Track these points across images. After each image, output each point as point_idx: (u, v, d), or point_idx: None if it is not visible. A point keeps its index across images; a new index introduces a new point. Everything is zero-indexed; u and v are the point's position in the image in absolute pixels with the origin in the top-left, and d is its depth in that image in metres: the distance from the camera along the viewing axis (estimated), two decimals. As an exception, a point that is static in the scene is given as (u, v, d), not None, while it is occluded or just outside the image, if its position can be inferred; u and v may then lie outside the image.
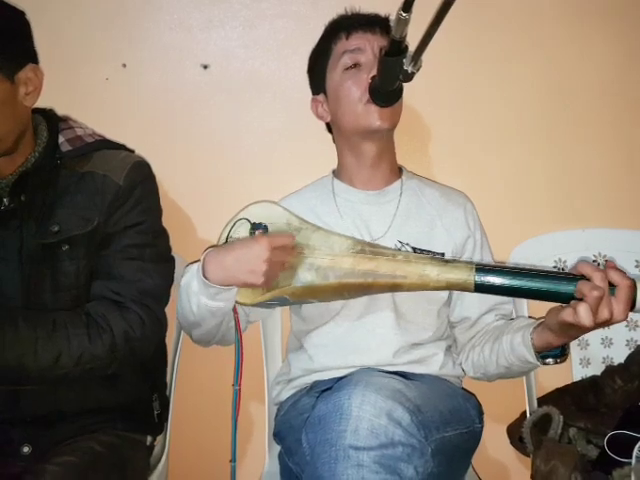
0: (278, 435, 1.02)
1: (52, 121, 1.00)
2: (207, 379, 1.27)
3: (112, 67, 1.28)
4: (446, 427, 0.83)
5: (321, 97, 1.07)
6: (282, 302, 0.96)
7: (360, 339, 0.99)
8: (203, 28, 1.29)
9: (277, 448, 1.03)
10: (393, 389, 0.74)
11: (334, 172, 1.12)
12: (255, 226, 0.94)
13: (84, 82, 1.26)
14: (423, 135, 1.28)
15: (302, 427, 0.79)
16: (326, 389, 0.87)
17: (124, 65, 1.29)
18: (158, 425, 1.07)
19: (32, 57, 0.93)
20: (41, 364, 0.85)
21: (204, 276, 0.86)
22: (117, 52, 1.29)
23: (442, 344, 1.03)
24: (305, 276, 0.90)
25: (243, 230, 0.96)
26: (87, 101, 1.25)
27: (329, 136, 1.15)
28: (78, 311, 0.91)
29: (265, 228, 0.94)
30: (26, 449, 0.91)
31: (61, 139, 0.98)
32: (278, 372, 1.14)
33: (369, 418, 0.68)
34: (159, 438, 1.09)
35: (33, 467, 0.87)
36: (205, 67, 1.30)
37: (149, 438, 1.06)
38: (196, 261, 0.93)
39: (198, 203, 1.29)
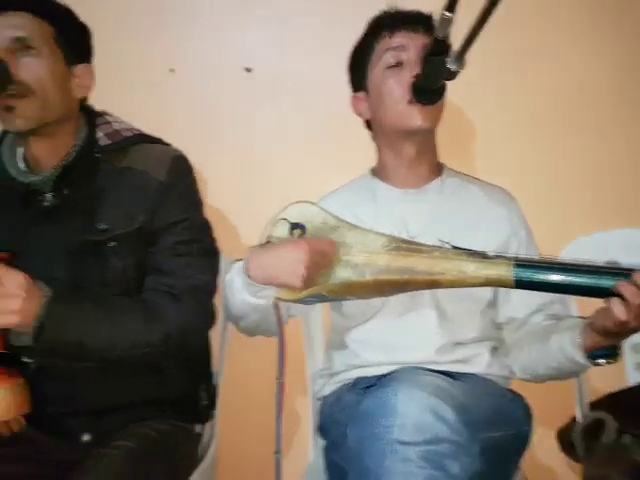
0: (322, 429, 1.04)
1: (90, 115, 1.03)
2: (253, 369, 1.30)
3: (160, 72, 1.34)
4: (492, 428, 0.82)
5: (362, 95, 1.07)
6: (320, 299, 0.97)
7: (402, 337, 0.99)
8: (246, 30, 1.32)
9: (321, 442, 1.04)
10: (438, 387, 0.74)
11: (372, 171, 1.12)
12: (294, 226, 0.97)
13: (134, 86, 1.32)
14: (467, 131, 1.27)
15: (346, 422, 0.81)
16: (370, 385, 0.88)
17: (172, 70, 1.35)
18: (205, 414, 1.10)
19: (88, 58, 1.01)
20: (99, 344, 0.88)
21: (246, 274, 0.89)
22: (165, 57, 1.34)
23: (487, 344, 1.01)
24: (342, 273, 0.90)
25: (282, 230, 0.98)
26: (137, 105, 1.29)
27: (367, 136, 1.15)
28: (136, 298, 0.95)
29: (302, 227, 0.96)
30: (86, 437, 0.96)
31: (99, 133, 1.00)
32: (320, 366, 1.15)
33: (415, 415, 0.68)
34: (207, 427, 1.13)
35: (92, 452, 0.91)
36: (248, 70, 1.34)
37: (197, 427, 1.09)
38: (241, 259, 0.96)
39: (241, 203, 1.33)
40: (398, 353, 0.98)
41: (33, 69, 0.91)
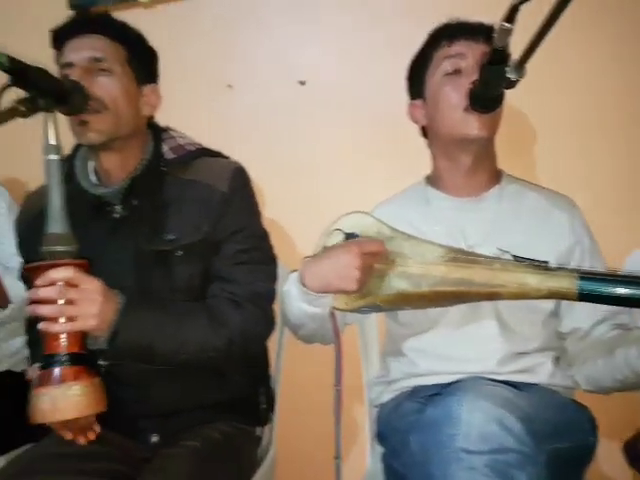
0: (380, 436, 1.04)
1: (156, 131, 1.09)
2: (308, 374, 1.33)
3: (219, 88, 1.39)
4: (558, 438, 0.81)
5: (419, 102, 1.07)
6: (375, 309, 0.98)
7: (463, 346, 0.98)
8: (299, 46, 1.36)
9: (379, 448, 1.05)
10: (503, 397, 0.74)
11: (427, 178, 1.12)
12: (348, 236, 0.98)
13: (194, 102, 1.38)
14: (528, 137, 1.24)
15: (407, 429, 0.81)
16: (433, 394, 0.88)
17: (230, 86, 1.40)
18: (265, 417, 1.14)
19: (155, 79, 1.08)
20: (169, 347, 0.92)
21: (302, 284, 0.91)
22: (223, 73, 1.39)
23: (550, 354, 0.99)
24: (397, 284, 0.91)
25: (337, 240, 0.99)
26: (196, 120, 1.34)
27: (418, 147, 1.15)
28: (201, 305, 0.99)
29: (357, 238, 0.98)
30: (154, 438, 1.00)
31: (165, 148, 1.06)
32: (377, 374, 1.16)
33: (480, 424, 0.68)
34: (266, 431, 1.16)
35: (160, 452, 0.97)
36: (302, 83, 1.37)
37: (258, 430, 1.12)
38: (297, 270, 0.99)
39: (295, 214, 1.35)
40: (458, 363, 0.97)
41: (107, 87, 0.97)
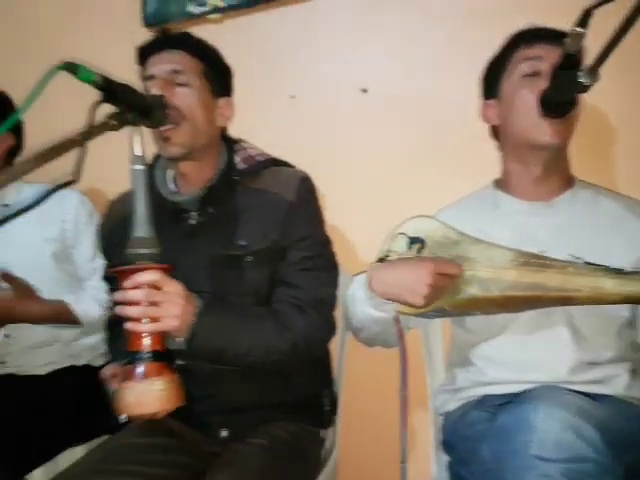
0: (447, 445, 1.04)
1: (229, 143, 1.14)
2: (371, 378, 1.33)
3: (282, 99, 1.43)
4: (637, 451, 0.78)
5: (493, 102, 1.07)
6: (442, 314, 0.98)
7: (533, 355, 0.96)
8: (362, 55, 1.38)
9: (445, 457, 1.05)
10: (578, 406, 0.73)
11: (496, 182, 1.11)
12: (413, 240, 0.98)
13: (256, 113, 1.42)
14: (607, 139, 1.20)
15: (477, 438, 0.81)
16: (503, 403, 0.87)
17: (293, 96, 1.44)
18: (328, 420, 1.16)
19: (229, 92, 1.14)
20: (237, 350, 0.96)
21: (369, 288, 0.92)
22: (286, 84, 1.43)
23: (625, 365, 0.96)
24: (466, 288, 0.90)
25: (401, 244, 1.00)
26: (259, 131, 1.38)
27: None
28: (268, 309, 1.03)
29: (422, 242, 0.97)
30: (224, 433, 1.04)
31: (237, 159, 1.11)
32: (442, 381, 1.15)
33: (555, 432, 0.68)
34: (329, 433, 1.18)
35: (229, 447, 1.01)
36: (364, 91, 1.39)
37: (321, 432, 1.15)
38: (362, 272, 1.00)
39: (357, 220, 1.37)
40: (528, 372, 0.95)
41: (185, 98, 1.03)
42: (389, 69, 1.35)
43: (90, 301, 1.34)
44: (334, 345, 1.19)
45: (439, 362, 1.20)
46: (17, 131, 1.43)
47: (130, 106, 0.84)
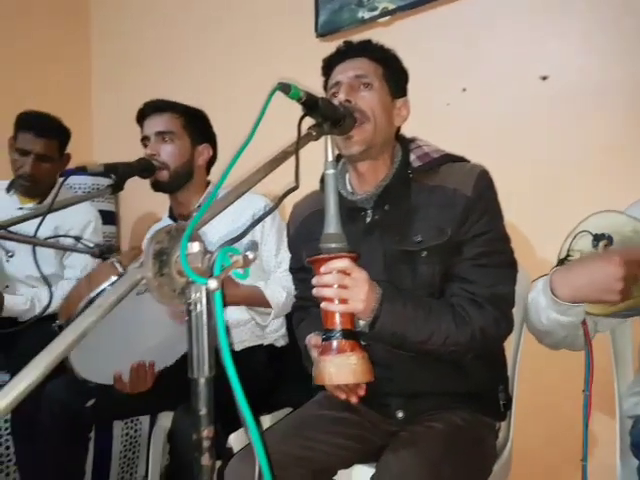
0: (636, 448, 0.99)
1: (404, 142, 1.19)
2: (548, 377, 1.31)
3: (453, 92, 1.44)
4: None
5: None
6: (636, 312, 0.93)
7: None
8: (541, 42, 1.33)
9: (631, 460, 1.00)
10: None
11: None
12: (597, 237, 0.93)
13: (427, 108, 1.44)
14: None
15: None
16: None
17: (464, 89, 1.44)
18: (503, 413, 1.17)
19: (405, 93, 1.20)
20: (418, 337, 1.01)
21: (553, 294, 0.90)
22: (458, 77, 1.44)
23: None
24: None
25: (584, 242, 0.95)
26: (430, 126, 1.41)
27: None
28: (445, 302, 1.06)
29: (609, 239, 0.92)
30: (400, 414, 1.12)
31: (412, 157, 1.15)
32: (630, 384, 1.10)
33: None
34: (503, 426, 1.19)
35: (405, 428, 1.09)
36: (544, 78, 1.34)
37: (497, 424, 1.17)
38: (541, 276, 0.98)
39: (534, 217, 1.33)
40: None
41: (368, 100, 1.11)
42: (570, 55, 1.29)
43: (277, 287, 1.51)
44: (508, 343, 1.19)
45: (628, 365, 1.15)
46: (213, 143, 1.65)
47: (325, 117, 0.94)
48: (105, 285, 0.99)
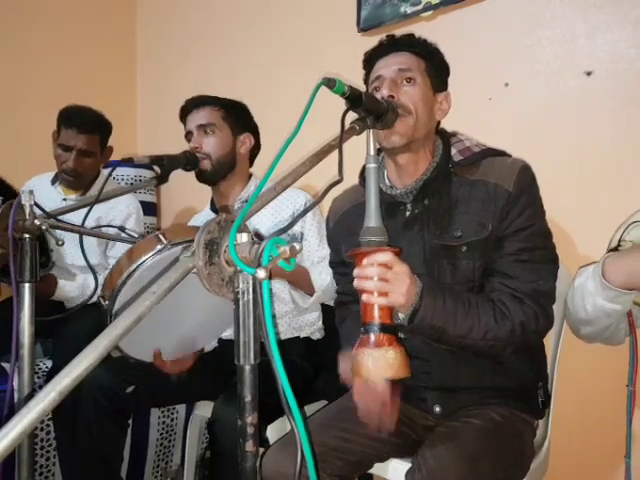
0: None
1: (444, 136, 1.18)
2: (588, 374, 1.29)
3: (495, 87, 1.42)
4: None
5: None
6: None
7: None
8: (588, 36, 1.30)
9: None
10: None
11: None
12: None
13: (469, 103, 1.43)
14: None
15: None
16: None
17: (506, 84, 1.42)
18: (541, 411, 1.15)
19: (446, 87, 1.19)
20: (457, 332, 1.00)
21: (604, 278, 0.88)
22: (500, 72, 1.42)
23: None
24: None
25: (635, 233, 0.94)
26: (472, 120, 1.40)
27: None
28: (485, 297, 1.05)
29: None
30: (437, 409, 1.12)
31: (453, 151, 1.14)
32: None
33: None
34: (541, 424, 1.18)
35: (443, 423, 1.09)
36: (588, 74, 1.31)
37: (535, 421, 1.15)
38: (589, 263, 0.96)
39: (575, 212, 1.30)
40: None
41: (410, 94, 1.11)
42: (617, 50, 1.25)
43: (323, 271, 1.51)
44: (547, 340, 1.18)
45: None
46: (255, 133, 1.67)
47: (369, 111, 0.94)
48: (147, 256, 0.97)
